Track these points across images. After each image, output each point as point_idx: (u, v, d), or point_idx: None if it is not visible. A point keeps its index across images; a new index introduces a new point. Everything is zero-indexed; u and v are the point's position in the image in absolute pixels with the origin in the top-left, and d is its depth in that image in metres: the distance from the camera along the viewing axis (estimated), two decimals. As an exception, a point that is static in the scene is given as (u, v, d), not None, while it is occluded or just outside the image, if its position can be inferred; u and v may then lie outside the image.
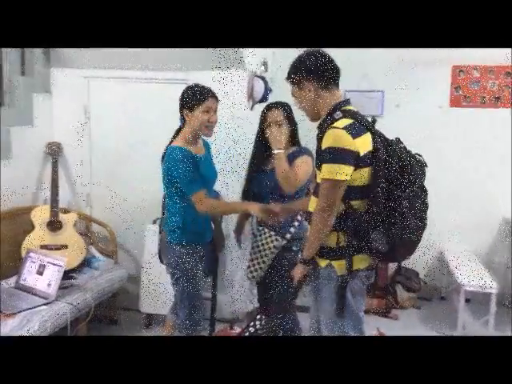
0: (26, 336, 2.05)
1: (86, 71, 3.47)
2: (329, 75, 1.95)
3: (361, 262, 1.89)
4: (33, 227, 3.08)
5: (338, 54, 2.04)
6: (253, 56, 3.40)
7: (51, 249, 2.99)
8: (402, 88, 3.97)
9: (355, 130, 1.80)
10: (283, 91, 3.89)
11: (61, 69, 3.51)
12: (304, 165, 2.47)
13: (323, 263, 1.91)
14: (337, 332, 1.90)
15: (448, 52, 3.76)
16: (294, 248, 2.51)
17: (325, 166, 1.80)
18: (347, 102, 1.96)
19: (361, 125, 1.83)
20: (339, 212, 1.84)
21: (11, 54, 3.39)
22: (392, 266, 4.06)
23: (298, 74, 1.95)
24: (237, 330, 3.15)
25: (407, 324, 3.61)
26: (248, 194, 2.65)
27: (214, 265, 2.83)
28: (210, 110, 2.33)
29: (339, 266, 1.87)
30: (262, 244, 2.54)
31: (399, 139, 1.95)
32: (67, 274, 2.87)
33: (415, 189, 1.83)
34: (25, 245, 2.96)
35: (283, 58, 3.80)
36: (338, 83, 1.97)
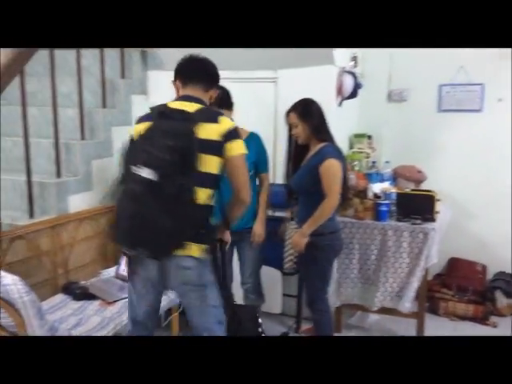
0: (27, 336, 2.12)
1: (179, 73, 3.62)
2: None
3: None
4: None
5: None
6: (343, 51, 3.35)
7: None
8: (505, 81, 3.71)
9: None
10: (373, 86, 3.86)
11: (156, 71, 3.69)
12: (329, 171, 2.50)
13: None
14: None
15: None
16: (325, 242, 2.55)
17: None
18: None
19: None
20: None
21: (112, 58, 3.63)
22: (491, 271, 3.83)
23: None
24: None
25: (506, 332, 3.36)
26: (288, 189, 2.77)
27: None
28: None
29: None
30: (289, 237, 2.68)
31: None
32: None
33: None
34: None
35: (374, 52, 3.75)
36: None
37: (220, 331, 2.02)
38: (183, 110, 1.91)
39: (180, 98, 2.02)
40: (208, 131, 1.87)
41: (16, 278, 2.05)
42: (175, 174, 1.77)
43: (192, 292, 1.96)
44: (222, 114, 1.98)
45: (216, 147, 1.89)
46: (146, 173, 1.75)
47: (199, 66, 2.06)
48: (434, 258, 3.07)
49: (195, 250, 1.90)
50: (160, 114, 1.91)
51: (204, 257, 1.93)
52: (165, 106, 1.96)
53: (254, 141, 2.74)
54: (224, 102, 2.62)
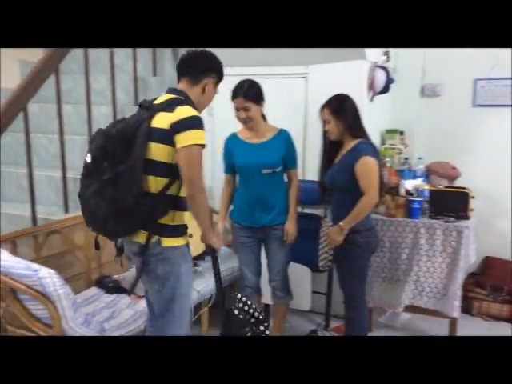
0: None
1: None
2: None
3: None
4: (161, 217, 3.30)
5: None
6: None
7: (178, 237, 3.18)
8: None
9: None
10: (406, 81, 3.79)
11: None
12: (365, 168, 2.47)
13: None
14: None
15: None
16: (362, 239, 2.52)
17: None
18: None
19: None
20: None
21: (144, 56, 3.67)
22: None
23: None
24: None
25: (545, 335, 3.26)
26: (321, 185, 2.77)
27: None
28: (238, 108, 2.64)
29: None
30: (324, 235, 2.72)
31: None
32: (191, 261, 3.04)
33: None
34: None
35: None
36: None
37: (160, 325, 2.03)
38: (151, 102, 1.98)
39: (166, 92, 2.05)
40: (161, 120, 1.88)
41: (51, 271, 2.11)
42: (109, 159, 1.84)
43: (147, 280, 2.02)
44: (182, 104, 1.90)
45: (164, 136, 1.86)
46: (87, 157, 1.89)
47: (187, 60, 2.06)
48: (472, 257, 3.00)
49: (142, 237, 1.93)
50: (138, 107, 2.02)
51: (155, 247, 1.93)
52: (147, 100, 2.03)
53: (282, 137, 2.73)
54: (255, 96, 2.63)
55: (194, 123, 1.87)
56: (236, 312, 2.37)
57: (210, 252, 2.14)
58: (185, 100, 1.95)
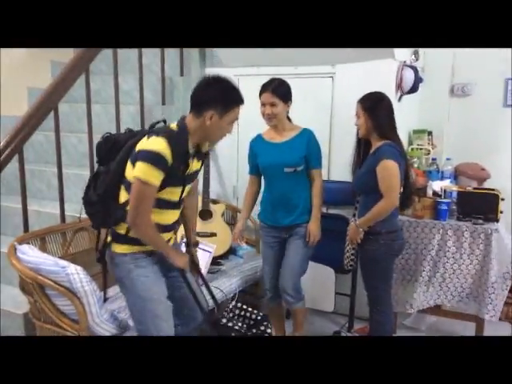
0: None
1: (236, 70, 3.64)
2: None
3: None
4: (187, 215, 3.33)
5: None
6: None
7: (202, 236, 3.21)
8: None
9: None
10: (435, 80, 3.72)
11: (214, 69, 3.73)
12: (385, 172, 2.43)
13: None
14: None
15: None
16: (382, 241, 2.50)
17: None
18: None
19: None
20: None
21: (171, 56, 3.71)
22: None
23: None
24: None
25: None
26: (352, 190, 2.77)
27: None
28: (265, 103, 2.65)
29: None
30: (348, 234, 2.68)
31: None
32: (215, 260, 3.07)
33: None
34: (180, 231, 3.22)
35: (436, 45, 3.61)
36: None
37: (143, 330, 2.04)
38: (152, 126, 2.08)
39: None
40: (139, 143, 1.95)
41: (79, 268, 2.15)
42: (100, 158, 2.08)
43: None
44: (158, 135, 1.90)
45: (133, 158, 1.93)
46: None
47: (192, 93, 2.04)
48: None
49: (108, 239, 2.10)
50: None
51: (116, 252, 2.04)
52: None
53: (305, 136, 2.70)
54: (283, 94, 2.63)
55: (147, 157, 1.86)
56: (224, 321, 2.39)
57: (180, 271, 2.14)
58: (171, 132, 1.96)
